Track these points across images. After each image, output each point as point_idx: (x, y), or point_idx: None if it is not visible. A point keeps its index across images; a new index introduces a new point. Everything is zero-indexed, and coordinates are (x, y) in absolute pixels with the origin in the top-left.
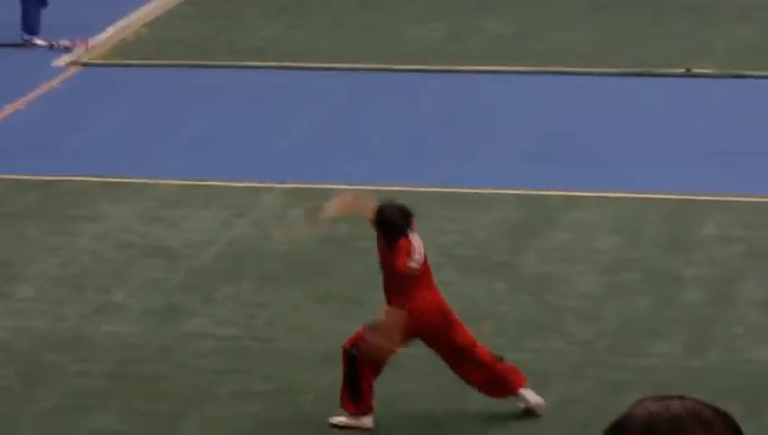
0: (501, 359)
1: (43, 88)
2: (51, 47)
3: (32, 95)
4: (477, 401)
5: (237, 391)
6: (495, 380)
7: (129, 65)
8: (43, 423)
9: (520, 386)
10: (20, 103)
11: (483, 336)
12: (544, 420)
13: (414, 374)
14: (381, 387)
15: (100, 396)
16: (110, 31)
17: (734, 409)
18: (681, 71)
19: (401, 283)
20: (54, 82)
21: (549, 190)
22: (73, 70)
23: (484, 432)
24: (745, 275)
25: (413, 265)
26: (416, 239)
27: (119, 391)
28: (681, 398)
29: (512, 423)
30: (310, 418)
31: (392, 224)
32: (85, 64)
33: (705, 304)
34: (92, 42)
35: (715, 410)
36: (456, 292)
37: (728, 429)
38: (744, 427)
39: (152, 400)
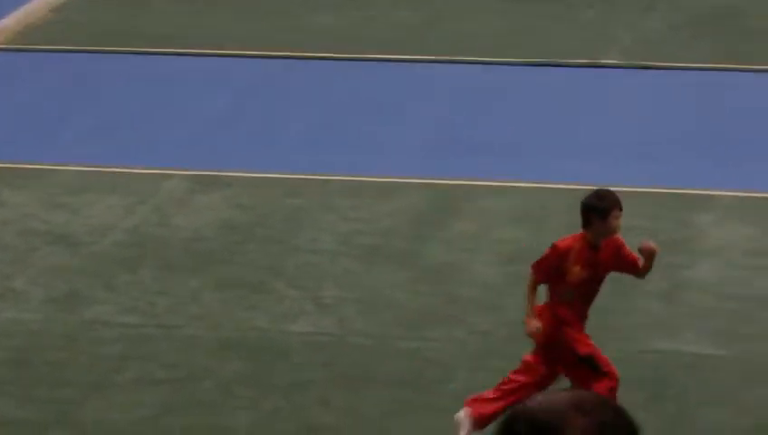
0: None
1: None
2: None
3: None
4: None
5: (138, 378)
6: None
7: (34, 50)
8: None
9: None
10: None
11: (384, 326)
12: (443, 411)
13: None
14: None
15: (1, 383)
16: (17, 15)
17: (635, 398)
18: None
19: None
20: None
21: (453, 180)
22: None
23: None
24: None
25: None
26: None
27: (19, 377)
28: (569, 390)
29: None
30: (209, 406)
31: None
32: None
33: (605, 294)
34: None
35: (601, 399)
36: (356, 281)
37: (613, 415)
38: (646, 416)
39: (53, 386)
